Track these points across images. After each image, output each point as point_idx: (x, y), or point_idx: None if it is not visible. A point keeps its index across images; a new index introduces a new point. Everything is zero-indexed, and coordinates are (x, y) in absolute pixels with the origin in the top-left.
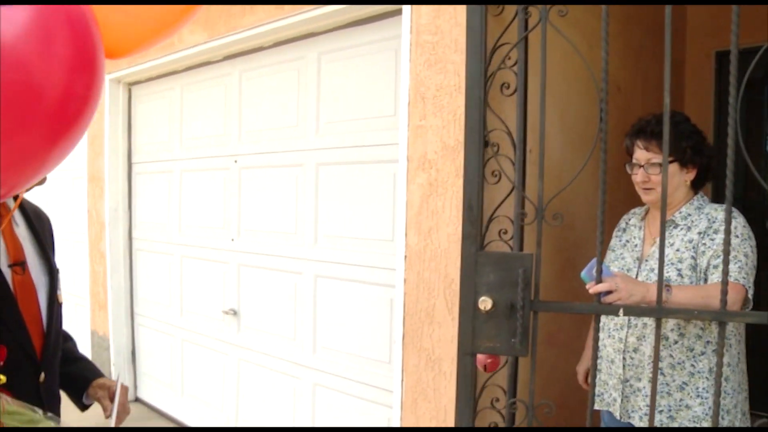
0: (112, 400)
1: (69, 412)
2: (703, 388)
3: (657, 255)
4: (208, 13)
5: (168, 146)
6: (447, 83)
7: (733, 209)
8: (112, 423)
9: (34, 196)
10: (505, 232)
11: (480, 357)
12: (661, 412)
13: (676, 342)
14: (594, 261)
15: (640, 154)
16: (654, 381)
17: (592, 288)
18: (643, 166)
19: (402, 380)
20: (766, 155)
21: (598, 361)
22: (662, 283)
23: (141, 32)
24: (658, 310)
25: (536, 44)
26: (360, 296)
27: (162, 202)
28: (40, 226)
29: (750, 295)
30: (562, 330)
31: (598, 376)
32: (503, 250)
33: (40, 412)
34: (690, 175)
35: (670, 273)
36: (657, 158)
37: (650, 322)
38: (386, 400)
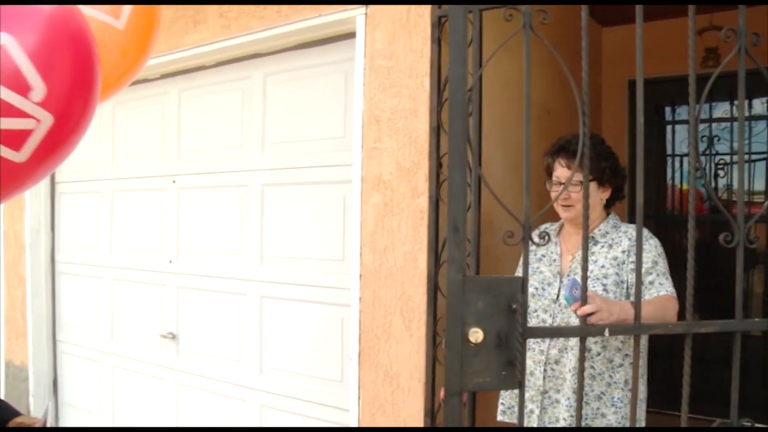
0: None
1: None
2: (618, 398)
3: (578, 270)
4: None
5: (97, 165)
6: (402, 107)
7: (647, 231)
8: None
9: None
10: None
11: None
12: (565, 418)
13: (598, 354)
14: (573, 280)
15: (561, 172)
16: (577, 392)
17: (580, 310)
18: (563, 183)
19: (358, 397)
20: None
21: None
22: (640, 300)
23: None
24: (638, 327)
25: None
26: (309, 316)
27: (90, 223)
28: None
29: None
30: None
31: (509, 389)
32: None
33: None
34: (606, 194)
35: (596, 287)
36: (577, 176)
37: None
38: (339, 418)
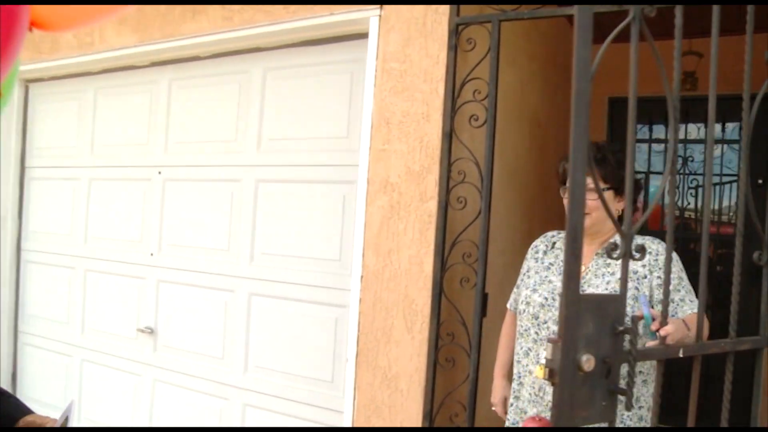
0: None
1: None
2: (627, 416)
3: (593, 281)
4: (142, 15)
5: (75, 152)
6: (414, 111)
7: (664, 245)
8: None
9: None
10: (469, 256)
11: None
12: None
13: None
14: (645, 297)
15: None
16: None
17: (663, 330)
18: None
19: (354, 398)
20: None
21: (519, 388)
22: (702, 318)
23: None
24: (701, 347)
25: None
26: (300, 315)
27: (63, 211)
28: None
29: None
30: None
31: (515, 404)
32: (467, 273)
33: None
34: (621, 205)
35: None
36: (594, 184)
37: None
38: (329, 419)
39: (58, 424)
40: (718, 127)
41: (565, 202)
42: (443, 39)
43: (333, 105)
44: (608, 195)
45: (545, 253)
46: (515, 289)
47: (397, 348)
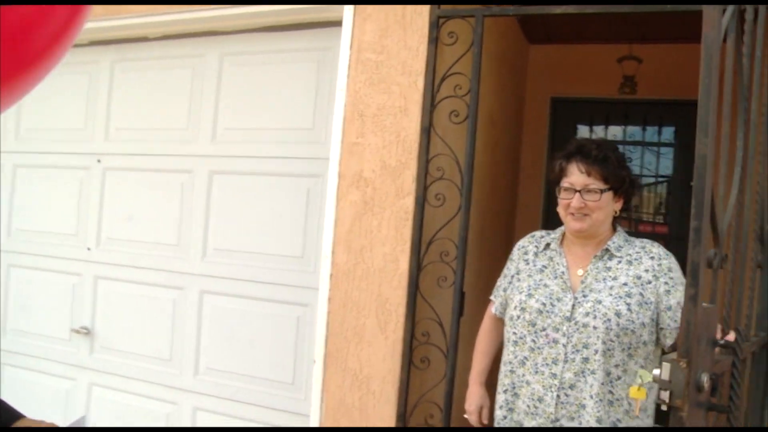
0: None
1: None
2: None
3: (594, 285)
4: None
5: None
6: (391, 104)
7: (663, 249)
8: None
9: None
10: (447, 254)
11: None
12: None
13: (619, 378)
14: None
15: (578, 179)
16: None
17: (729, 336)
18: (579, 191)
19: (321, 400)
20: None
21: (513, 399)
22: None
23: None
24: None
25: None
26: (258, 314)
27: None
28: None
29: None
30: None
31: (509, 417)
32: (444, 271)
33: None
34: (619, 206)
35: (620, 306)
36: (595, 184)
37: (592, 356)
38: (289, 422)
39: (46, 426)
40: (655, 129)
41: (563, 203)
42: (423, 31)
43: (297, 95)
44: (608, 195)
45: (536, 254)
46: (501, 293)
47: (369, 348)
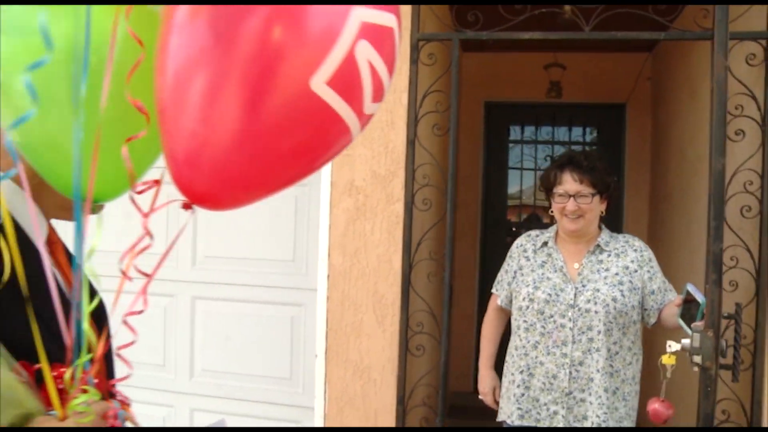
0: None
1: None
2: (627, 392)
3: (590, 276)
4: None
5: None
6: (378, 118)
7: (642, 242)
8: None
9: None
10: (435, 252)
11: (659, 409)
12: (599, 415)
13: (617, 353)
14: (693, 285)
15: (571, 186)
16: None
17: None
18: (572, 196)
19: (324, 392)
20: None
21: (528, 378)
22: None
23: None
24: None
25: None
26: (251, 317)
27: None
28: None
29: None
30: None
31: (526, 394)
32: (432, 268)
33: None
34: (604, 206)
35: (614, 292)
36: (586, 190)
37: (596, 336)
38: (289, 414)
39: None
40: (580, 130)
41: (555, 206)
42: (405, 52)
43: None
44: (597, 199)
45: (535, 252)
46: (505, 286)
47: (369, 341)
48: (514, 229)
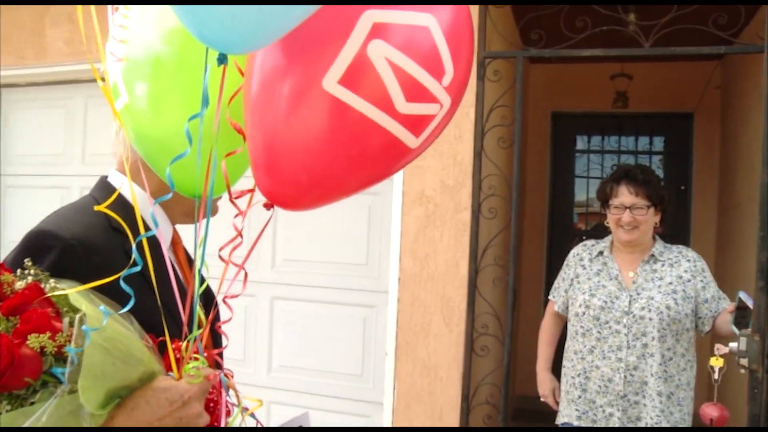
0: None
1: None
2: (682, 398)
3: (645, 285)
4: None
5: (62, 160)
6: (446, 132)
7: (695, 253)
8: None
9: None
10: (500, 258)
11: (707, 411)
12: (652, 417)
13: (671, 359)
14: (745, 293)
15: (627, 198)
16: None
17: None
18: (628, 208)
19: (394, 388)
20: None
21: (585, 381)
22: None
23: None
24: None
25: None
26: (325, 317)
27: None
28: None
29: None
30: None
31: (583, 396)
32: (498, 273)
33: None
34: (658, 218)
35: (668, 301)
36: (642, 202)
37: (650, 342)
38: (359, 408)
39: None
40: (646, 139)
41: (614, 218)
42: (472, 69)
43: None
44: (651, 211)
45: (591, 260)
46: (561, 293)
47: (436, 341)
48: (584, 237)
